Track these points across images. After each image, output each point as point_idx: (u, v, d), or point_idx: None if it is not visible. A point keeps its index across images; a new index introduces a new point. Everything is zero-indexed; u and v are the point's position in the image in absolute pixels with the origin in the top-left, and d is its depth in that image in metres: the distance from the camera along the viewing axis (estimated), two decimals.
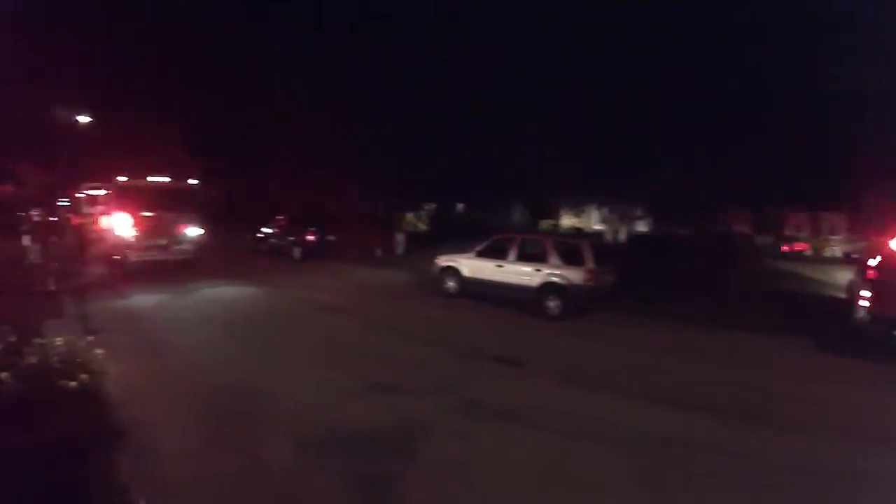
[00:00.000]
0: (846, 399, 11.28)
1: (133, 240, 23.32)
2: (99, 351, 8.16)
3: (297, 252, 31.37)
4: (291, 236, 32.24)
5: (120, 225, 23.44)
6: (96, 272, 24.22)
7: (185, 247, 24.95)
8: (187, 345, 13.62)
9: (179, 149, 43.22)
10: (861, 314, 14.68)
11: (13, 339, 8.02)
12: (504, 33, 40.08)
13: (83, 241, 29.82)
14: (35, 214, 31.16)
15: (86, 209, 34.59)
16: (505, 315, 18.24)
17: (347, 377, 11.18)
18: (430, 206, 54.49)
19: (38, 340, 8.07)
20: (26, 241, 26.48)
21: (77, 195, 38.95)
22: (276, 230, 34.46)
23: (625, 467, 7.65)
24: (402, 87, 43.38)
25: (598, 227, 49.98)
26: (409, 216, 52.28)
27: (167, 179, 25.56)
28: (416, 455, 7.79)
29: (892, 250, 14.89)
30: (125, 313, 17.18)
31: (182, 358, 12.51)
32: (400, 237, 35.78)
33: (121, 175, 24.52)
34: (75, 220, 35.39)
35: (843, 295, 21.55)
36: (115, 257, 24.08)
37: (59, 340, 8.07)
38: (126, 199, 23.76)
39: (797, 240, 45.63)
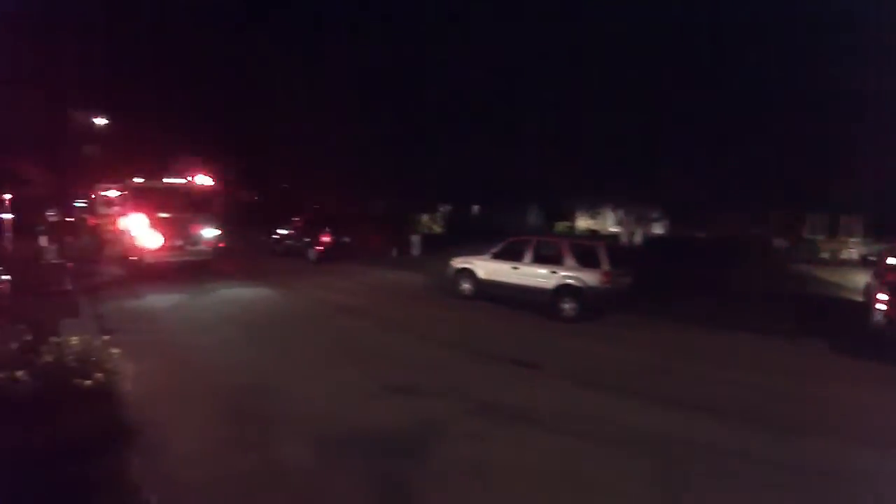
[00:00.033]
0: (861, 401, 11.19)
1: (149, 241, 23.37)
2: (114, 350, 8.18)
3: (312, 253, 31.38)
4: (307, 237, 32.25)
5: (136, 226, 23.51)
6: (112, 272, 24.32)
7: (200, 248, 25.01)
8: (203, 345, 13.65)
9: (195, 150, 43.42)
10: (878, 317, 14.56)
11: (29, 337, 8.04)
12: (513, 34, 40.05)
13: (99, 242, 29.95)
14: (51, 215, 31.28)
15: (102, 210, 34.72)
16: (520, 317, 18.18)
17: (363, 378, 11.20)
18: (446, 208, 54.46)
19: (54, 339, 8.09)
20: (43, 241, 26.61)
21: (94, 196, 39.11)
22: (291, 231, 34.50)
23: (641, 470, 7.61)
24: (417, 88, 43.43)
25: (613, 229, 49.73)
26: (425, 218, 52.25)
27: (183, 181, 25.66)
28: (431, 456, 7.79)
29: None
30: (141, 313, 17.27)
31: (197, 358, 12.54)
32: (415, 239, 35.71)
33: (137, 176, 24.68)
34: (92, 221, 35.50)
35: (860, 298, 21.42)
36: (131, 258, 24.15)
37: (74, 339, 8.08)
38: (142, 200, 23.87)
39: (803, 241, 45.22)
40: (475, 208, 53.87)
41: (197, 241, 24.84)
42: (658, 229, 48.30)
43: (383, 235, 35.14)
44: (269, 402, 9.74)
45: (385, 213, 48.42)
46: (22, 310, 11.85)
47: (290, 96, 45.46)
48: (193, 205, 25.01)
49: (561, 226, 49.11)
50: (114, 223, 28.48)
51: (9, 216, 24.18)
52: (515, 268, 19.09)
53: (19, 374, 7.00)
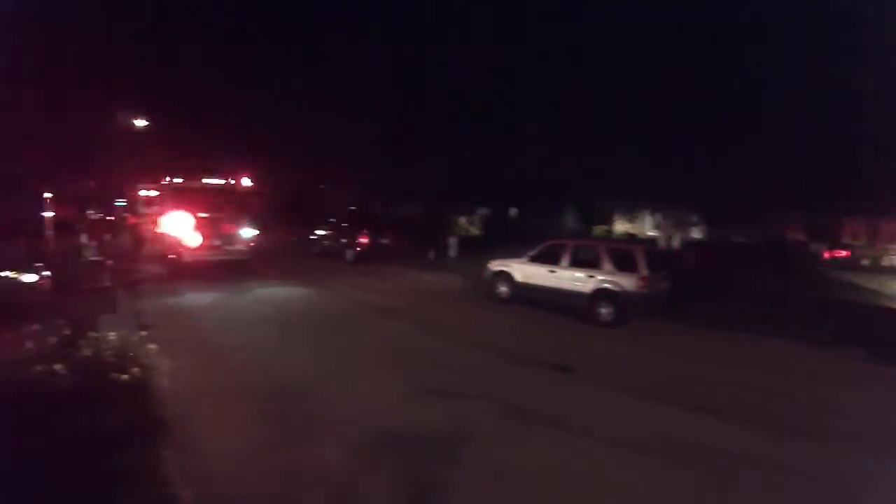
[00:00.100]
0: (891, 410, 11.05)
1: (188, 240, 23.56)
2: (151, 346, 8.27)
3: (349, 254, 31.48)
4: (344, 238, 32.35)
5: (175, 225, 23.72)
6: (151, 270, 24.53)
7: (238, 247, 25.20)
8: (238, 343, 13.71)
9: (234, 151, 43.69)
10: None
11: (68, 332, 8.13)
12: (549, 36, 39.96)
13: (138, 240, 30.24)
14: (91, 213, 31.62)
15: (142, 209, 35.03)
16: (557, 321, 18.09)
17: (398, 380, 11.19)
18: (483, 211, 54.42)
19: (92, 334, 8.18)
20: (83, 239, 26.88)
21: (133, 195, 39.49)
22: (329, 232, 34.59)
23: (671, 478, 7.56)
24: (458, 91, 43.45)
25: (651, 233, 49.53)
26: (462, 220, 52.23)
27: (222, 181, 25.83)
28: (463, 458, 7.78)
29: None
30: (178, 311, 17.40)
31: (233, 356, 12.60)
32: (453, 241, 35.69)
33: (176, 176, 24.88)
34: (131, 220, 35.86)
35: None
36: (169, 256, 24.38)
37: (112, 335, 8.18)
38: (181, 199, 24.08)
39: (849, 247, 44.50)
40: (513, 211, 53.77)
41: (235, 240, 25.03)
42: (696, 233, 48.04)
43: (420, 237, 35.13)
44: (303, 401, 9.75)
45: (423, 215, 48.50)
46: (62, 305, 11.97)
47: (330, 98, 45.67)
48: (232, 205, 25.21)
49: (599, 229, 49.00)
50: (153, 222, 28.74)
51: (50, 214, 24.41)
52: (552, 271, 19.03)
53: (58, 367, 7.09)
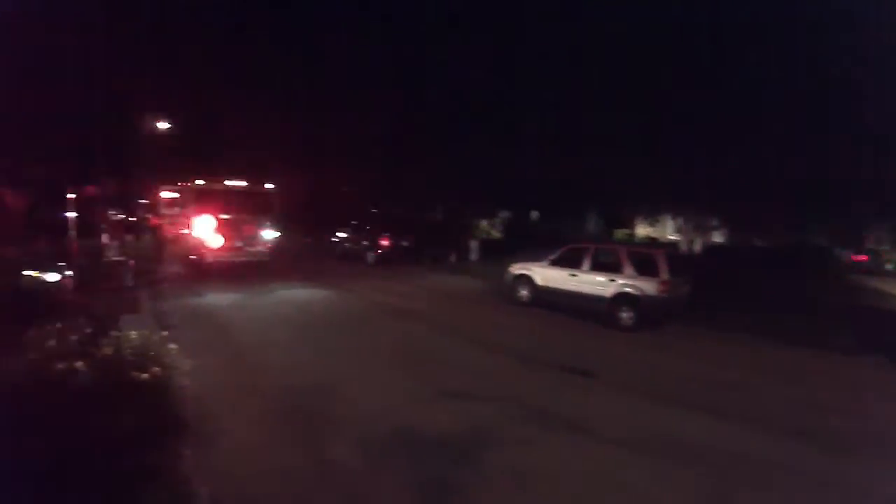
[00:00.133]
0: None
1: (210, 241, 23.71)
2: (172, 346, 8.30)
3: (371, 256, 31.54)
4: (366, 241, 32.42)
5: (197, 226, 23.91)
6: (173, 271, 24.71)
7: (260, 249, 25.36)
8: (259, 343, 13.79)
9: (257, 153, 43.88)
10: None
11: (90, 330, 8.18)
12: (577, 38, 39.76)
13: (161, 241, 30.46)
14: (114, 214, 31.84)
15: (164, 210, 35.28)
16: (577, 325, 18.02)
17: (417, 382, 11.20)
18: (505, 214, 54.36)
19: (113, 333, 8.23)
20: (105, 239, 27.08)
21: (156, 197, 39.78)
22: (350, 234, 34.67)
23: (690, 484, 7.50)
24: (476, 94, 43.39)
25: (673, 237, 49.32)
26: (484, 223, 52.23)
27: (244, 183, 25.97)
28: (479, 461, 7.78)
29: None
30: (199, 311, 17.55)
31: (253, 356, 12.69)
32: (474, 244, 35.60)
33: (198, 178, 25.04)
34: (154, 221, 36.12)
35: None
36: (191, 257, 24.59)
37: (133, 334, 8.22)
38: (203, 201, 24.26)
39: (869, 252, 43.92)
40: (534, 214, 53.69)
41: (256, 241, 25.20)
42: (717, 237, 47.80)
43: (442, 240, 35.10)
44: (322, 402, 9.79)
45: (444, 217, 48.51)
46: (84, 304, 12.05)
47: (349, 100, 45.73)
48: (253, 206, 25.35)
49: (620, 233, 48.83)
50: (175, 223, 28.97)
51: (73, 215, 24.60)
52: (573, 275, 18.98)
53: (78, 364, 7.14)
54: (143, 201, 50.18)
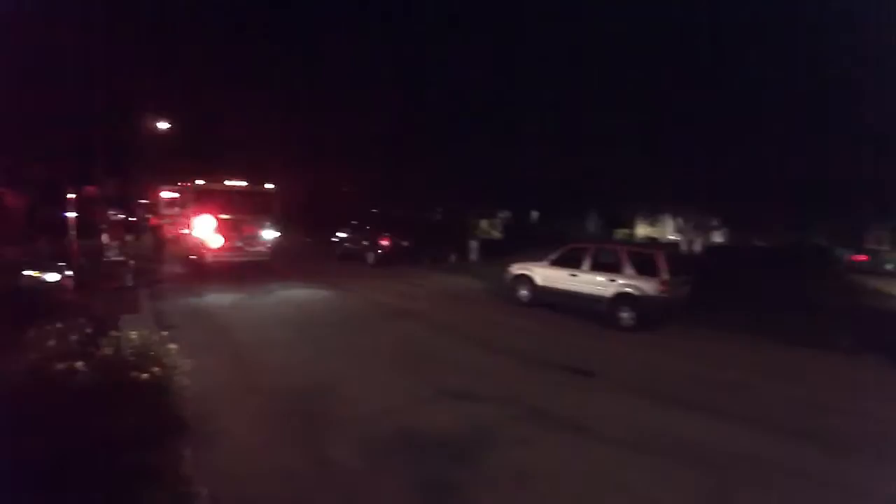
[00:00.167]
0: None
1: (210, 241, 23.74)
2: (172, 346, 8.31)
3: (371, 257, 31.51)
4: (366, 241, 32.40)
5: (197, 226, 23.94)
6: (173, 271, 24.75)
7: (260, 249, 25.40)
8: (259, 343, 13.81)
9: (257, 153, 43.93)
10: None
11: (90, 331, 8.19)
12: (576, 36, 39.70)
13: (161, 241, 30.49)
14: (114, 214, 31.90)
15: (164, 210, 35.33)
16: (577, 325, 18.02)
17: (417, 382, 11.24)
18: (505, 214, 54.33)
19: (113, 333, 8.23)
20: (105, 239, 27.12)
21: (156, 196, 39.83)
22: (350, 234, 34.67)
23: (690, 485, 7.52)
24: (479, 94, 43.39)
25: (673, 236, 49.25)
26: (484, 223, 52.17)
27: (244, 183, 26.01)
28: (479, 461, 7.81)
29: None
30: (200, 311, 17.59)
31: (253, 356, 12.71)
32: (474, 244, 35.55)
33: (198, 178, 25.08)
34: (154, 221, 36.13)
35: None
36: (191, 257, 24.64)
37: (133, 334, 8.23)
38: (203, 201, 24.32)
39: (869, 252, 43.63)
40: (534, 214, 53.67)
41: (256, 242, 25.24)
42: (717, 237, 47.79)
43: (442, 240, 35.07)
44: (322, 402, 9.82)
45: (444, 217, 48.51)
46: (84, 304, 12.07)
47: (350, 100, 45.76)
48: (253, 207, 25.40)
49: (620, 233, 48.81)
50: (175, 223, 29.01)
51: (73, 215, 24.60)
52: (573, 275, 18.98)
53: (78, 364, 7.16)
54: (144, 201, 50.25)
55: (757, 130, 34.77)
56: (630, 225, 50.61)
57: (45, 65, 31.28)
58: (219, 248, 24.11)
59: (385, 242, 31.30)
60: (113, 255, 25.01)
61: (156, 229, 33.39)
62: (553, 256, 20.02)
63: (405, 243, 32.10)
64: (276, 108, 48.22)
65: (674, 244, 44.15)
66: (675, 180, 38.24)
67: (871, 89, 29.07)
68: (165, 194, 37.94)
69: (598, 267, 18.58)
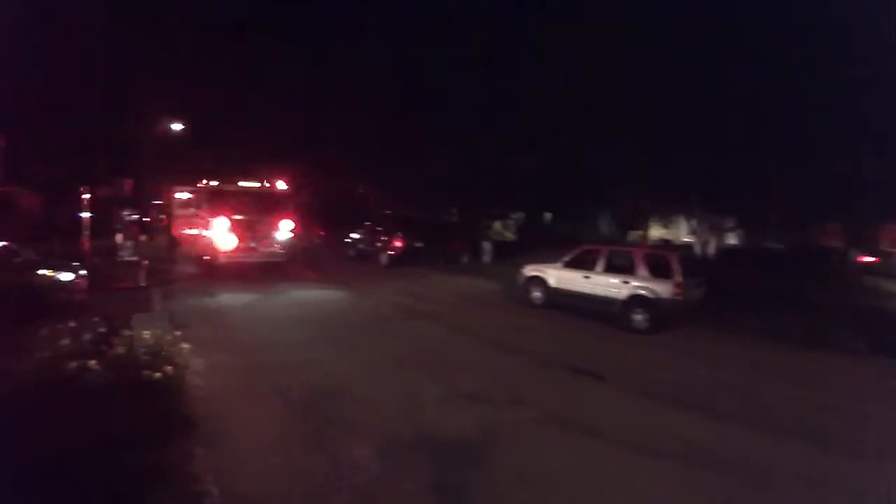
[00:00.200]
0: None
1: (224, 241, 23.78)
2: (184, 345, 8.34)
3: (384, 257, 31.50)
4: (379, 242, 32.42)
5: (210, 227, 23.99)
6: (186, 271, 24.81)
7: (273, 249, 25.40)
8: (272, 344, 13.84)
9: (271, 154, 44.02)
10: None
11: (103, 330, 8.21)
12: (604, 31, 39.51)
13: (174, 241, 30.58)
14: (128, 214, 32.06)
15: (178, 211, 35.44)
16: (590, 327, 17.93)
17: (429, 383, 11.20)
18: (518, 216, 54.23)
19: (126, 332, 8.26)
20: (118, 239, 27.23)
21: (170, 197, 39.95)
22: (364, 235, 34.73)
23: (702, 490, 7.45)
24: (492, 95, 43.36)
25: (687, 238, 49.01)
26: (497, 225, 52.07)
27: (258, 184, 26.10)
28: (490, 464, 7.76)
29: None
30: (213, 311, 17.63)
31: (266, 356, 12.70)
32: (487, 245, 35.50)
33: (212, 179, 25.18)
34: (167, 221, 36.28)
35: None
36: (204, 258, 24.68)
37: (146, 333, 8.27)
38: (217, 202, 24.40)
39: (881, 253, 43.15)
40: (547, 216, 53.57)
41: (270, 242, 25.24)
42: (732, 239, 47.59)
43: (455, 241, 35.02)
44: (334, 402, 9.80)
45: (457, 219, 48.46)
46: (97, 304, 12.12)
47: (366, 101, 45.80)
48: (267, 207, 25.45)
49: (634, 235, 48.64)
50: (189, 224, 29.08)
51: (87, 215, 24.71)
52: (587, 277, 18.90)
53: (91, 363, 7.18)
54: (157, 202, 50.40)
55: (770, 130, 34.65)
56: (644, 227, 50.40)
57: (59, 67, 31.46)
58: (232, 249, 24.13)
59: (398, 243, 31.27)
60: (126, 255, 25.10)
61: (169, 229, 33.53)
62: (566, 258, 19.94)
63: (419, 244, 32.03)
64: (289, 108, 48.33)
65: (688, 246, 44.00)
66: (689, 181, 38.14)
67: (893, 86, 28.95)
68: (179, 195, 38.07)
69: (611, 269, 18.50)
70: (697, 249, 42.09)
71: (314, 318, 17.14)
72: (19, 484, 5.51)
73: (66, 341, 7.87)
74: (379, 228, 33.90)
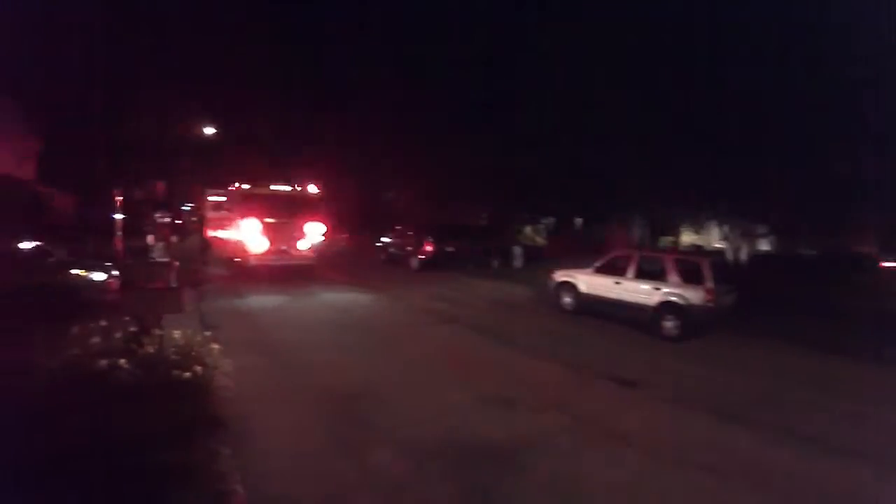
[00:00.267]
0: None
1: (254, 244, 23.95)
2: (214, 346, 8.36)
3: (414, 262, 31.65)
4: (410, 246, 32.55)
5: (242, 229, 24.17)
6: (217, 273, 24.96)
7: (304, 252, 25.53)
8: (300, 346, 13.90)
9: (303, 158, 44.25)
10: None
11: (134, 329, 8.26)
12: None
13: (206, 243, 30.81)
14: (160, 216, 32.37)
15: (210, 213, 35.73)
16: (621, 333, 17.80)
17: (458, 388, 11.17)
18: (549, 220, 54.13)
19: (157, 332, 8.29)
20: (150, 240, 27.48)
21: (202, 200, 40.25)
22: (395, 240, 34.91)
23: (733, 501, 7.35)
24: (526, 97, 43.34)
25: (718, 244, 48.73)
26: (528, 229, 52.03)
27: (289, 187, 26.26)
28: (521, 471, 7.69)
29: None
30: (243, 312, 17.74)
31: (294, 358, 12.79)
32: (517, 250, 35.46)
33: (244, 182, 25.38)
34: (199, 224, 36.56)
35: None
36: (235, 259, 24.86)
37: (177, 333, 8.33)
38: (249, 205, 24.59)
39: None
40: (578, 221, 53.46)
41: (301, 245, 25.38)
42: (764, 245, 47.27)
43: (486, 246, 35.01)
44: (362, 405, 9.82)
45: (488, 223, 48.46)
46: (129, 303, 12.20)
47: (397, 105, 45.89)
48: (299, 211, 25.60)
49: (665, 240, 48.42)
50: (221, 226, 29.32)
51: (120, 216, 24.95)
52: (618, 283, 18.76)
53: (122, 361, 7.23)
54: (190, 204, 50.83)
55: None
56: (675, 232, 50.13)
57: (91, 68, 31.72)
58: (263, 251, 24.31)
59: (429, 248, 31.35)
60: (158, 256, 25.29)
61: (201, 231, 33.79)
62: (597, 264, 19.81)
63: (449, 249, 32.06)
64: (322, 111, 48.53)
65: (720, 252, 43.71)
66: (721, 188, 37.99)
67: None
68: (211, 197, 38.37)
69: (642, 275, 18.35)
70: (729, 255, 41.82)
71: (344, 321, 17.19)
72: (42, 479, 5.56)
73: (96, 339, 7.93)
74: (410, 232, 33.98)
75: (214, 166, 45.53)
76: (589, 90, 40.18)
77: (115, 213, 25.26)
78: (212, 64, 44.45)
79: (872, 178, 32.44)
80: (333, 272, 27.61)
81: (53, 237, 21.56)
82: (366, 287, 24.06)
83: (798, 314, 19.65)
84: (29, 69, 28.48)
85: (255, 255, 24.27)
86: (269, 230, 24.49)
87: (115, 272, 17.81)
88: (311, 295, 21.47)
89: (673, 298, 17.13)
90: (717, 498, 7.37)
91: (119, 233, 24.58)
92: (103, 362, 7.19)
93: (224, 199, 32.44)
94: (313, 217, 26.16)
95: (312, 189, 26.79)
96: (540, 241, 49.93)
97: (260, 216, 24.33)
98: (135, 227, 29.04)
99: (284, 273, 24.80)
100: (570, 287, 20.41)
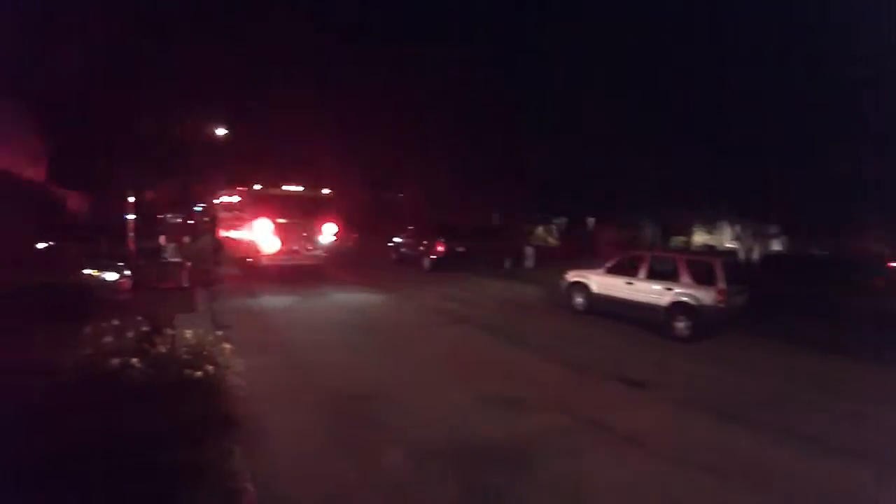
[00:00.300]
0: None
1: (266, 244, 24.02)
2: (226, 345, 8.38)
3: (426, 262, 31.63)
4: (422, 246, 32.54)
5: (254, 230, 24.24)
6: (229, 273, 25.04)
7: (316, 253, 25.63)
8: (311, 346, 13.98)
9: (315, 159, 44.25)
10: None
11: (146, 329, 8.30)
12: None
13: (217, 244, 30.87)
14: (172, 217, 32.54)
15: (222, 214, 35.78)
16: (632, 334, 17.78)
17: (469, 388, 11.20)
18: (561, 221, 54.03)
19: (169, 332, 8.33)
20: (162, 240, 27.60)
21: (214, 200, 40.34)
22: (407, 240, 34.93)
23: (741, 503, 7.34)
24: (540, 97, 43.33)
25: (730, 244, 48.54)
26: (539, 230, 51.94)
27: (301, 188, 26.33)
28: (529, 471, 7.74)
29: None
30: (254, 312, 17.83)
31: (305, 358, 12.86)
32: (529, 250, 35.41)
33: (256, 183, 25.48)
34: (211, 224, 36.63)
35: None
36: (247, 260, 24.93)
37: (188, 333, 8.34)
38: (260, 205, 24.69)
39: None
40: (590, 222, 53.38)
41: (312, 245, 25.46)
42: (776, 245, 47.12)
43: (497, 246, 34.99)
44: (372, 405, 9.90)
45: (500, 224, 48.39)
46: (141, 303, 12.27)
47: (410, 106, 45.87)
48: (311, 211, 25.69)
49: (677, 241, 48.29)
50: (233, 226, 29.37)
51: (132, 217, 25.05)
52: (629, 283, 18.75)
53: (134, 361, 7.26)
54: (202, 205, 50.91)
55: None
56: (687, 232, 49.99)
57: (107, 68, 31.85)
58: (275, 252, 24.37)
59: (441, 248, 31.34)
60: (170, 257, 25.39)
61: (212, 232, 33.86)
62: (609, 264, 19.83)
63: (461, 249, 32.05)
64: (334, 112, 48.53)
65: (732, 252, 43.59)
66: (732, 187, 37.94)
67: None
68: (224, 198, 38.45)
69: (654, 275, 18.33)
70: (741, 255, 41.67)
71: (355, 322, 17.25)
72: (53, 476, 5.61)
73: (109, 339, 7.96)
74: (421, 233, 34.01)
75: (226, 167, 45.59)
76: (589, 90, 40.17)
77: (127, 214, 25.36)
78: (219, 65, 44.55)
79: (873, 178, 32.30)
80: (345, 272, 27.68)
81: (67, 238, 21.70)
82: (377, 287, 24.13)
83: (810, 315, 19.57)
84: (30, 70, 28.57)
85: (267, 255, 24.35)
86: (280, 230, 24.56)
87: (128, 272, 17.93)
88: (323, 295, 21.54)
89: (684, 299, 17.11)
90: (719, 498, 7.40)
91: (131, 234, 24.68)
92: (116, 361, 7.23)
93: (236, 199, 32.52)
94: (325, 217, 26.24)
95: (325, 190, 26.86)
96: (552, 241, 49.85)
97: (272, 216, 24.41)
98: (148, 228, 29.18)
99: (296, 273, 24.87)
100: (581, 287, 20.41)
